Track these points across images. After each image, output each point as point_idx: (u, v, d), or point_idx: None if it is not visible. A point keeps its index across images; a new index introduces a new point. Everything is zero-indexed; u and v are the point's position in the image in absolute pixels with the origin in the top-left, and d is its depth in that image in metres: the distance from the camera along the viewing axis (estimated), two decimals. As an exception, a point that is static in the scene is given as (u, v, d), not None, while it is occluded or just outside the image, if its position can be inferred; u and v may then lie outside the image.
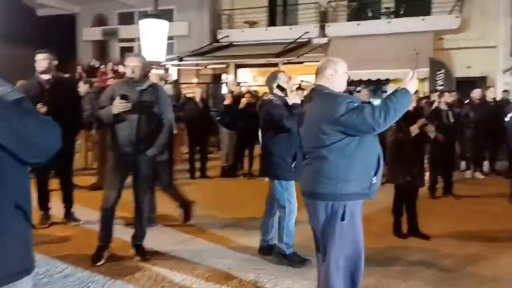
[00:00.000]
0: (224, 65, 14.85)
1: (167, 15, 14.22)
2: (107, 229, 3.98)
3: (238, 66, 16.52)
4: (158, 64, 12.38)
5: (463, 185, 7.35)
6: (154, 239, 4.35)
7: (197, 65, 14.59)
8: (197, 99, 8.32)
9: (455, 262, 4.13)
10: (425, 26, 13.46)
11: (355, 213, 2.66)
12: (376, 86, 15.17)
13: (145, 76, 3.98)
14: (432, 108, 6.65)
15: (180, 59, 13.76)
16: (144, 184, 4.08)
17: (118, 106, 3.71)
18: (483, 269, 3.96)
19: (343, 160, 2.59)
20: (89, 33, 17.65)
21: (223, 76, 15.58)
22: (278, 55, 13.01)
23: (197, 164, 8.25)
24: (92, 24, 17.80)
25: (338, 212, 2.62)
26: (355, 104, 2.56)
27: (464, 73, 13.29)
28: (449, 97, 8.12)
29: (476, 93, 8.30)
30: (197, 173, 8.22)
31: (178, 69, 13.91)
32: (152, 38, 11.83)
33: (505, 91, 9.71)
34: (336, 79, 2.77)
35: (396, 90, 2.63)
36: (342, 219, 2.61)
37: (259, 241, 4.24)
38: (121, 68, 12.84)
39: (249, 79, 15.89)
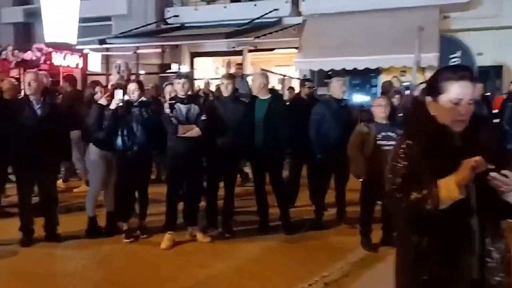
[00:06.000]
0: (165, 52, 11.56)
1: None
2: None
3: (195, 54, 13.35)
4: (68, 48, 9.34)
5: None
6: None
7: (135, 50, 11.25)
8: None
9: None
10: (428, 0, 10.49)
11: None
12: (363, 77, 12.03)
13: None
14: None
15: (102, 42, 10.41)
16: None
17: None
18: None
19: None
20: (9, 14, 14.24)
21: (174, 67, 12.38)
22: (229, 35, 9.74)
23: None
24: (12, 2, 14.41)
25: None
26: None
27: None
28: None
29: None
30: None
31: (106, 56, 10.62)
32: (58, 15, 9.02)
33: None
34: None
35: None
36: None
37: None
38: (28, 55, 9.61)
39: (210, 71, 12.72)
